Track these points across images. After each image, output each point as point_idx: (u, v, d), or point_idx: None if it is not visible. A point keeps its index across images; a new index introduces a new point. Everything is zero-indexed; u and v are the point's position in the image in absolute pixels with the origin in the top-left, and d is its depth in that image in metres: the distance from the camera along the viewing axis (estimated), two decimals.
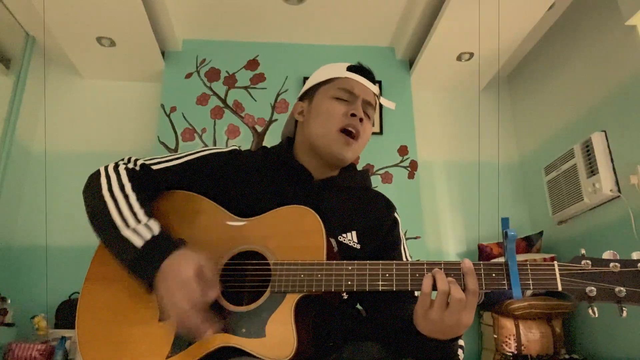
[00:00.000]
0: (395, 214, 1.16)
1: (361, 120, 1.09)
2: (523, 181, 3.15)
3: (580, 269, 0.79)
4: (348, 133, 1.08)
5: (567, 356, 2.43)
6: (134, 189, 0.96)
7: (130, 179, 0.98)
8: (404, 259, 1.10)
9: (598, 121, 2.44)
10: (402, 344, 0.92)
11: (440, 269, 0.82)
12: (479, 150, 3.20)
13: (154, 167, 1.05)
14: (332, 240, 0.98)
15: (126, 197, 0.94)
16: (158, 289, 0.85)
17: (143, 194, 0.97)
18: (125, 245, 0.88)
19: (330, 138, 1.07)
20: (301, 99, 1.19)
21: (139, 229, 0.89)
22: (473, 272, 0.81)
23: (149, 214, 0.93)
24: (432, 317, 0.80)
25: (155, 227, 0.90)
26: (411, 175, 2.89)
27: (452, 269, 0.83)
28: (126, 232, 0.89)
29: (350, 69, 1.13)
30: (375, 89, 1.15)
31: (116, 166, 1.01)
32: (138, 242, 0.88)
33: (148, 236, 0.89)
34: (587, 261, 0.79)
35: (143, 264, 0.87)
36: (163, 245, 0.89)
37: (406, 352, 0.92)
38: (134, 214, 0.92)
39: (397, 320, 0.94)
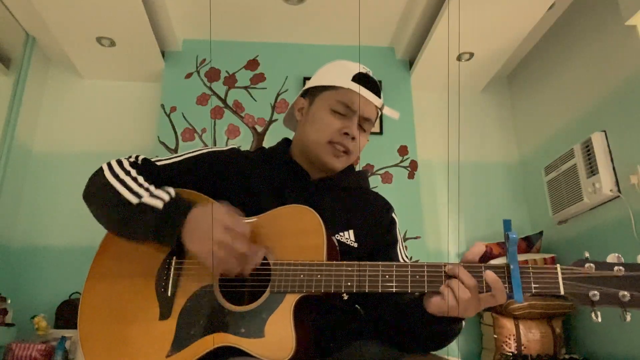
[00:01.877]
0: (393, 214, 1.16)
1: (354, 138, 1.07)
2: (523, 181, 3.15)
3: (584, 273, 0.78)
4: (339, 143, 1.07)
5: (567, 356, 2.43)
6: (139, 173, 0.98)
7: (134, 167, 0.99)
8: (401, 259, 1.10)
9: (598, 121, 2.44)
10: (406, 327, 0.93)
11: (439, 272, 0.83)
12: (485, 150, 3.21)
13: (156, 164, 1.06)
14: (334, 239, 0.98)
15: (134, 178, 0.95)
16: (189, 243, 0.86)
17: (148, 178, 0.98)
18: (143, 214, 0.89)
19: (320, 148, 1.07)
20: (304, 95, 1.18)
21: (156, 193, 0.91)
22: (462, 270, 0.81)
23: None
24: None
25: (172, 190, 0.92)
26: (411, 175, 2.89)
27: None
28: (143, 200, 0.90)
29: (355, 79, 1.09)
30: (378, 101, 1.11)
31: (118, 159, 1.02)
32: (158, 204, 0.89)
33: (167, 198, 0.90)
34: (591, 264, 0.78)
35: (168, 220, 0.87)
36: (184, 201, 0.90)
37: (408, 337, 0.93)
38: (146, 188, 0.93)
39: (400, 306, 0.95)
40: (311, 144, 1.08)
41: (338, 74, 1.11)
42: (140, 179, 0.95)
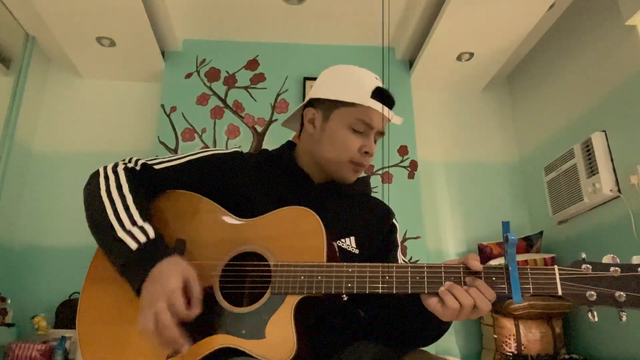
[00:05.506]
0: (394, 220, 1.15)
1: (372, 155, 1.09)
2: (523, 181, 3.15)
3: (581, 274, 0.79)
4: (358, 164, 1.08)
5: (567, 356, 2.43)
6: (131, 190, 0.96)
7: (129, 180, 0.98)
8: (399, 263, 1.10)
9: (598, 121, 2.44)
10: (401, 319, 0.94)
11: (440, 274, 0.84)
12: (479, 150, 3.21)
13: (156, 167, 1.05)
14: (334, 244, 0.98)
15: (123, 198, 0.94)
16: (143, 291, 0.84)
17: (141, 195, 0.97)
18: (119, 247, 0.88)
19: (340, 166, 1.07)
20: (313, 104, 1.13)
21: (134, 232, 0.89)
22: (455, 287, 0.82)
23: (146, 216, 0.93)
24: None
25: (151, 231, 0.90)
26: (411, 175, 2.89)
27: (453, 272, 0.84)
28: (121, 234, 0.89)
29: (374, 95, 1.06)
30: (391, 116, 1.11)
31: (115, 166, 1.01)
32: (132, 245, 0.88)
33: (143, 239, 0.88)
34: (588, 265, 0.80)
35: (134, 267, 0.87)
36: (156, 251, 0.88)
37: (403, 329, 0.94)
38: (130, 216, 0.91)
39: (395, 300, 0.96)
40: (331, 162, 1.07)
41: (355, 89, 1.07)
42: (129, 200, 0.94)
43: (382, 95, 1.08)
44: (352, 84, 1.09)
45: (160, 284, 0.83)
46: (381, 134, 1.11)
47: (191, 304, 0.84)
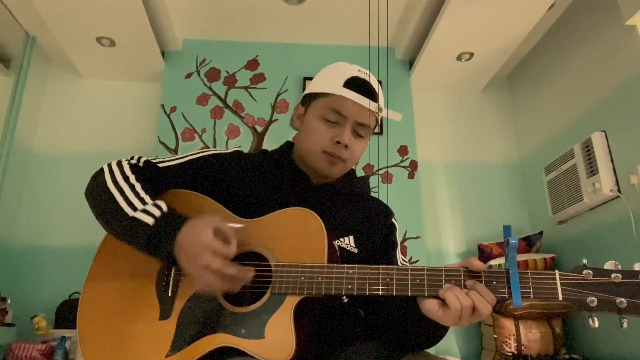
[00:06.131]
0: (393, 220, 1.15)
1: (347, 146, 1.04)
2: (523, 181, 3.15)
3: (582, 279, 0.79)
4: (332, 154, 1.05)
5: (567, 356, 2.43)
6: (138, 179, 0.97)
7: (134, 172, 0.99)
8: (399, 262, 1.10)
9: (598, 121, 2.44)
10: (402, 326, 0.94)
11: (443, 277, 0.83)
12: (480, 150, 3.21)
13: (158, 165, 1.05)
14: (334, 244, 0.98)
15: (131, 186, 0.95)
16: (180, 261, 0.85)
17: (147, 184, 0.97)
18: (136, 226, 0.88)
19: (314, 157, 1.06)
20: (302, 101, 1.16)
21: (148, 208, 0.90)
22: (455, 289, 0.81)
23: (155, 198, 0.93)
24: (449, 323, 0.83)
25: (163, 205, 0.91)
26: (411, 175, 2.89)
27: (453, 275, 0.84)
28: (136, 214, 0.89)
29: (347, 84, 1.04)
30: (374, 105, 1.06)
31: (119, 162, 1.02)
32: (149, 220, 0.88)
33: (158, 213, 0.89)
34: (589, 271, 0.79)
35: (158, 239, 0.87)
36: (175, 219, 0.89)
37: (401, 333, 0.94)
38: (141, 199, 0.92)
39: (395, 304, 0.96)
40: (306, 153, 1.07)
41: (330, 79, 1.07)
42: (138, 187, 0.94)
43: (355, 83, 1.05)
44: (329, 75, 1.09)
45: (193, 243, 0.84)
46: (361, 125, 1.06)
47: (228, 241, 0.85)
